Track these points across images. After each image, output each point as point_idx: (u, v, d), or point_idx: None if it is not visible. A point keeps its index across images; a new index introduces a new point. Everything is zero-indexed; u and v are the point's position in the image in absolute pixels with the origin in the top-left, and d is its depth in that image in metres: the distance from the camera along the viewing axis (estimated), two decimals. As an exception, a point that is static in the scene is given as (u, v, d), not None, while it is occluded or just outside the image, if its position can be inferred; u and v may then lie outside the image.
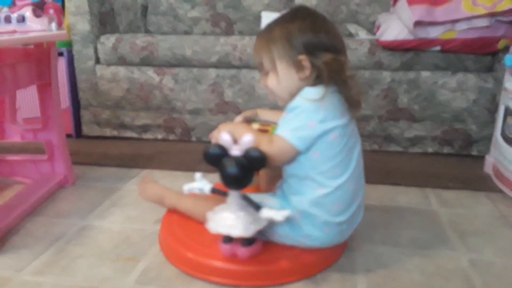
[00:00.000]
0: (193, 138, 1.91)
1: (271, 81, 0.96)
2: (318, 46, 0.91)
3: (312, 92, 0.89)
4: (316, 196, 0.91)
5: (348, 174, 0.91)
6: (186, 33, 2.29)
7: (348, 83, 0.91)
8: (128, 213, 1.24)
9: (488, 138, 1.64)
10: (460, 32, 1.54)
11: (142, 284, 0.92)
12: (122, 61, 1.86)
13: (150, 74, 1.84)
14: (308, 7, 0.97)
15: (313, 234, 0.93)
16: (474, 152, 1.71)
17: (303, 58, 0.90)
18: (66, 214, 1.23)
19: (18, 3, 1.90)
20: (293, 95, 0.93)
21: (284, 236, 0.95)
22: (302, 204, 0.92)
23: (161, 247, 1.05)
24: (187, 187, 0.96)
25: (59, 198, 1.35)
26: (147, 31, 2.33)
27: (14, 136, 1.46)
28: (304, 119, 0.89)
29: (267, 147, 0.88)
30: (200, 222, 0.99)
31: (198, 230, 1.01)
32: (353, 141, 0.94)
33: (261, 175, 1.13)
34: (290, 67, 0.92)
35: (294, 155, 0.90)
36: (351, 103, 0.92)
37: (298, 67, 0.92)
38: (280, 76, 0.94)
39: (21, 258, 1.01)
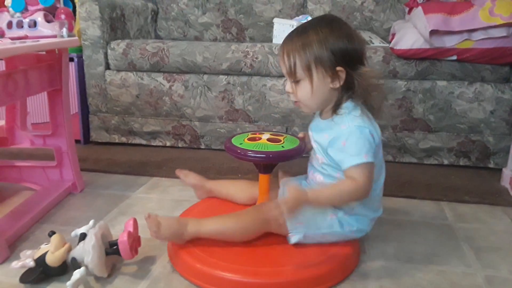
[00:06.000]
0: (202, 146, 1.90)
1: (304, 90, 0.93)
2: (354, 57, 0.91)
3: (351, 107, 0.92)
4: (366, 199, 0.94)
5: (383, 174, 1.00)
6: (197, 38, 2.28)
7: (372, 93, 0.92)
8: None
9: (506, 151, 1.60)
10: (477, 41, 1.51)
11: (150, 296, 0.91)
12: (132, 67, 1.85)
13: (160, 80, 1.83)
14: (336, 16, 0.97)
15: (360, 228, 1.01)
16: (491, 165, 1.67)
17: (340, 69, 0.90)
18: (75, 222, 1.22)
19: (30, 8, 1.90)
20: (321, 104, 0.95)
21: (332, 234, 0.99)
22: (352, 205, 0.98)
23: (170, 257, 1.04)
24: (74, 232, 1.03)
25: (68, 205, 1.34)
26: (157, 37, 2.32)
27: (24, 142, 1.46)
28: (365, 136, 0.89)
29: (355, 185, 0.89)
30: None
31: (207, 241, 1.00)
32: None
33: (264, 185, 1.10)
34: (326, 76, 0.91)
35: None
36: (373, 111, 0.95)
37: (333, 76, 0.90)
38: (315, 85, 0.91)
39: (30, 266, 1.00)
